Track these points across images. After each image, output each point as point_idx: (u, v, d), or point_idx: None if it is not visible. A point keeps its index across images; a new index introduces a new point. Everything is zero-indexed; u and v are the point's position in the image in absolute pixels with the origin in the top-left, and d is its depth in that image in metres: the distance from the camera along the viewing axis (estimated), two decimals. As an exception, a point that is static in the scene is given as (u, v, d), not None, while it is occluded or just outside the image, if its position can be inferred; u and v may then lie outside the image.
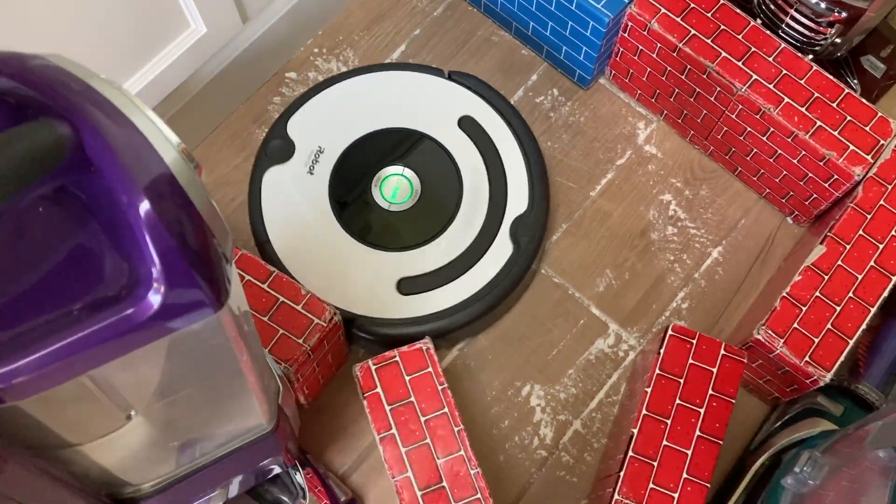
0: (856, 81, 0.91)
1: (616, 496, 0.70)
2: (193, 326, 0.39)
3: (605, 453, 0.82)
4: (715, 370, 0.74)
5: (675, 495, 0.70)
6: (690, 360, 0.74)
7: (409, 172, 0.85)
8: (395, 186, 0.84)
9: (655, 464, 0.71)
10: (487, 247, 0.82)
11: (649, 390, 0.73)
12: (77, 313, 0.36)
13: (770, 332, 0.75)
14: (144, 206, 0.35)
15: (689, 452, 0.72)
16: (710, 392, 0.73)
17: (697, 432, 0.72)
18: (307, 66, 0.97)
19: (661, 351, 0.74)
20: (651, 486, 0.71)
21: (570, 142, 0.94)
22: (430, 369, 0.74)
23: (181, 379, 0.45)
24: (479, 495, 0.69)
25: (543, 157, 0.87)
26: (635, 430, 0.72)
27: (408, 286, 0.81)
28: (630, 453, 0.71)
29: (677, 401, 0.73)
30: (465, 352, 0.86)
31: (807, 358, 0.74)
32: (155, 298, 0.36)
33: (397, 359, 0.74)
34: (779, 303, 0.76)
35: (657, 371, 0.74)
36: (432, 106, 0.87)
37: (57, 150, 0.35)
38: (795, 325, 0.75)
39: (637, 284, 0.89)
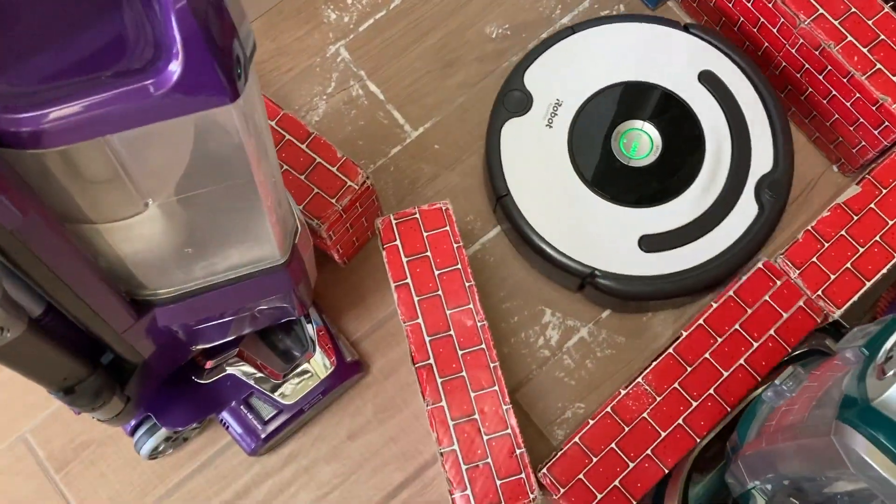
0: (930, 35, 0.88)
1: (639, 379, 0.72)
2: (207, 114, 0.42)
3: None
4: (785, 316, 0.74)
5: (694, 403, 0.72)
6: (766, 297, 0.75)
7: (648, 127, 0.85)
8: (635, 141, 0.85)
9: (689, 369, 0.73)
10: (731, 206, 0.82)
11: (715, 305, 0.74)
12: (104, 78, 0.40)
13: (787, 261, 0.75)
14: (178, -4, 0.38)
15: (726, 374, 0.73)
16: (772, 333, 0.74)
17: (742, 360, 0.73)
18: (381, -50, 0.99)
19: (743, 278, 0.75)
20: (676, 385, 0.73)
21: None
22: (447, 228, 0.76)
23: (197, 175, 0.49)
24: (483, 346, 0.72)
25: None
26: (684, 333, 0.74)
27: (650, 243, 0.81)
28: (670, 350, 0.73)
29: (736, 325, 0.74)
30: (487, 247, 0.89)
31: (819, 292, 0.74)
32: (173, 74, 0.39)
33: (417, 216, 0.76)
34: (801, 235, 0.76)
35: (731, 293, 0.75)
36: (672, 60, 0.87)
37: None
38: (814, 258, 0.75)
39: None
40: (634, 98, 0.85)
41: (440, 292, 0.74)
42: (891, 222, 0.76)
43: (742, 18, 0.88)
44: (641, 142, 0.84)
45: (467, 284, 0.74)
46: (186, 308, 0.63)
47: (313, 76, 0.94)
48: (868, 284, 0.75)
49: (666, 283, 0.80)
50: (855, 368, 0.46)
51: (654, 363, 0.74)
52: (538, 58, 0.86)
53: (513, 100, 0.85)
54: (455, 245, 0.76)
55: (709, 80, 0.85)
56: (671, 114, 0.85)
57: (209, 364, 0.80)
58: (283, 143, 0.78)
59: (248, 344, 0.81)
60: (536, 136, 0.84)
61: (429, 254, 0.76)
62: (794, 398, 0.57)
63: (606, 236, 0.81)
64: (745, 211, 0.82)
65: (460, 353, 0.72)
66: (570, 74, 0.86)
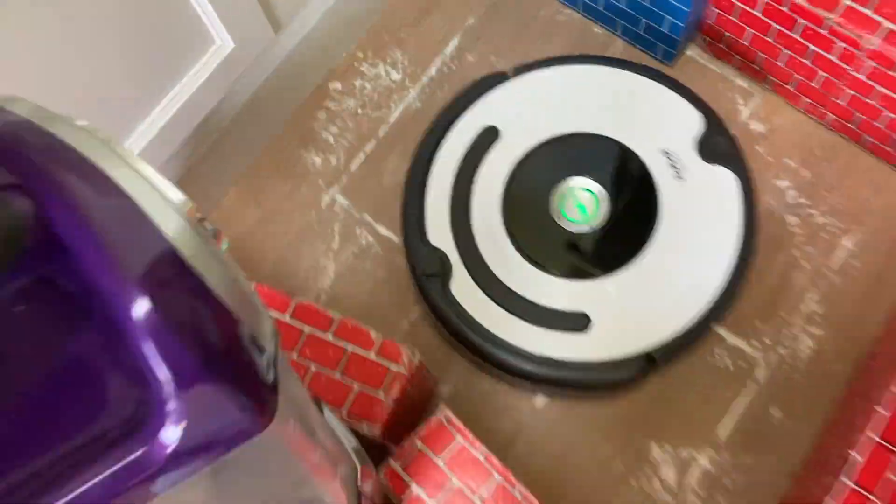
0: None
1: (842, 478, 0.57)
2: (235, 451, 0.28)
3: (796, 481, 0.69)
4: None
5: None
6: None
7: (577, 181, 0.75)
8: (577, 204, 0.75)
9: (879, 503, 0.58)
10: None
11: (881, 410, 0.59)
12: (74, 458, 0.26)
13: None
14: (141, 305, 0.24)
15: None
16: None
17: None
18: (352, 73, 0.86)
19: None
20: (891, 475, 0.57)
21: (660, 127, 0.81)
22: (460, 440, 0.62)
23: (235, 499, 0.34)
24: None
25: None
26: (856, 456, 0.58)
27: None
28: (848, 482, 0.58)
29: None
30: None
31: None
32: (173, 433, 0.25)
33: (420, 446, 0.62)
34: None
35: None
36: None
37: (13, 234, 0.24)
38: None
39: (757, 287, 0.76)
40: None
41: None
42: None
43: (786, 51, 0.75)
44: (583, 199, 0.74)
45: (516, 491, 0.60)
46: None
47: (313, 234, 0.81)
48: None
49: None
50: None
51: (859, 458, 0.58)
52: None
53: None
54: (480, 456, 0.61)
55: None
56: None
57: None
58: (304, 341, 0.64)
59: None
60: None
61: (456, 481, 0.61)
62: None
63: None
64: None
65: None
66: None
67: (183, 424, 0.25)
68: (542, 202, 0.74)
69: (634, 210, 0.73)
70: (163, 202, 0.26)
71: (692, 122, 0.75)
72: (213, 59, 0.71)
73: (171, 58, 0.68)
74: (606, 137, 0.75)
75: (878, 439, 0.59)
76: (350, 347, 0.64)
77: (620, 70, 0.77)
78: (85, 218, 0.25)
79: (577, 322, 0.70)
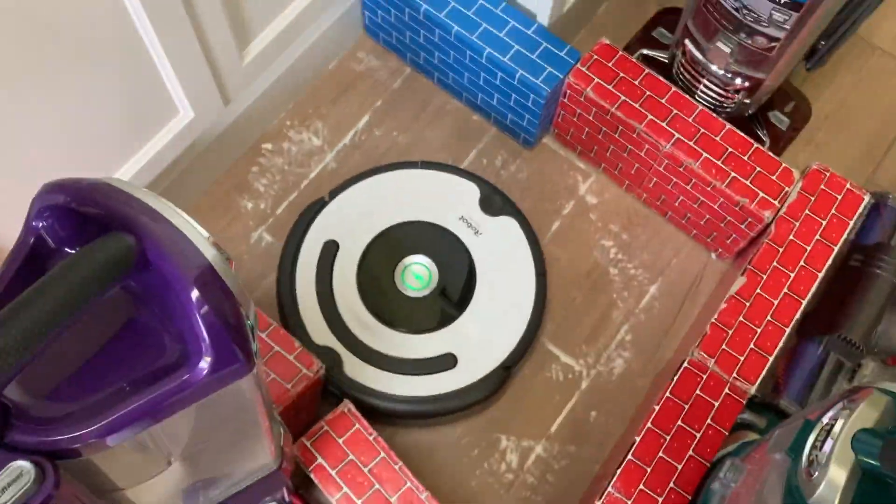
0: (765, 133, 1.05)
1: (610, 489, 0.81)
2: (231, 385, 0.48)
3: (603, 463, 0.93)
4: (717, 404, 0.85)
5: (660, 499, 0.81)
6: (698, 391, 0.85)
7: (421, 258, 0.98)
8: (415, 275, 0.98)
9: (649, 469, 0.82)
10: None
11: (657, 408, 0.84)
12: (143, 381, 0.46)
13: (702, 353, 0.87)
14: (194, 293, 0.45)
15: (680, 466, 0.82)
16: (709, 421, 0.84)
17: (691, 452, 0.83)
18: (281, 137, 1.08)
19: (675, 378, 0.85)
20: (642, 486, 0.81)
21: (520, 196, 1.05)
22: (357, 426, 0.83)
23: (213, 427, 0.55)
24: None
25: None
26: (637, 438, 0.83)
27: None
28: (629, 456, 0.82)
29: (679, 422, 0.84)
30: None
31: (734, 374, 0.86)
32: (205, 365, 0.46)
33: (326, 428, 0.83)
34: (709, 328, 0.88)
35: (668, 394, 0.85)
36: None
37: (127, 257, 0.45)
38: (724, 346, 0.87)
39: (585, 319, 1.00)
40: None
41: (378, 486, 0.81)
42: (776, 302, 0.89)
43: (612, 147, 1.02)
44: (420, 273, 0.97)
45: (397, 466, 0.82)
46: (194, 529, 0.67)
47: (243, 264, 1.01)
48: (771, 358, 0.87)
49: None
50: (786, 471, 0.56)
51: (619, 471, 0.83)
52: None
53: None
54: (371, 437, 0.83)
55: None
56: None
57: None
58: (239, 343, 0.84)
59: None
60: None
61: (352, 457, 0.82)
62: (738, 488, 0.67)
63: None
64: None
65: None
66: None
67: (210, 361, 0.46)
68: (389, 281, 0.97)
69: (457, 267, 0.97)
70: (200, 237, 0.47)
71: (472, 191, 1.00)
72: (175, 126, 0.90)
73: (144, 123, 0.87)
74: (421, 221, 0.99)
75: (650, 426, 0.84)
76: (276, 347, 0.84)
77: (411, 169, 1.02)
78: (163, 247, 0.45)
79: (446, 361, 0.93)
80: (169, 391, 0.45)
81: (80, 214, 0.47)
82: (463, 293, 0.96)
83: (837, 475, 0.51)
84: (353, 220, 0.99)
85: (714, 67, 0.93)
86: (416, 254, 0.98)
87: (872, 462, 0.50)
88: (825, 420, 0.55)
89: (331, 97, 1.10)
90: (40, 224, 0.47)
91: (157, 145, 0.89)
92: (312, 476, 0.82)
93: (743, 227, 0.96)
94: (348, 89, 1.11)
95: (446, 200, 1.00)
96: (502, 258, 0.98)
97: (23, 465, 0.41)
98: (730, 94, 0.96)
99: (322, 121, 1.09)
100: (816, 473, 0.52)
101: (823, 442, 0.54)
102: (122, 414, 0.45)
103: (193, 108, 0.90)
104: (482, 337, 0.94)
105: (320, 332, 0.94)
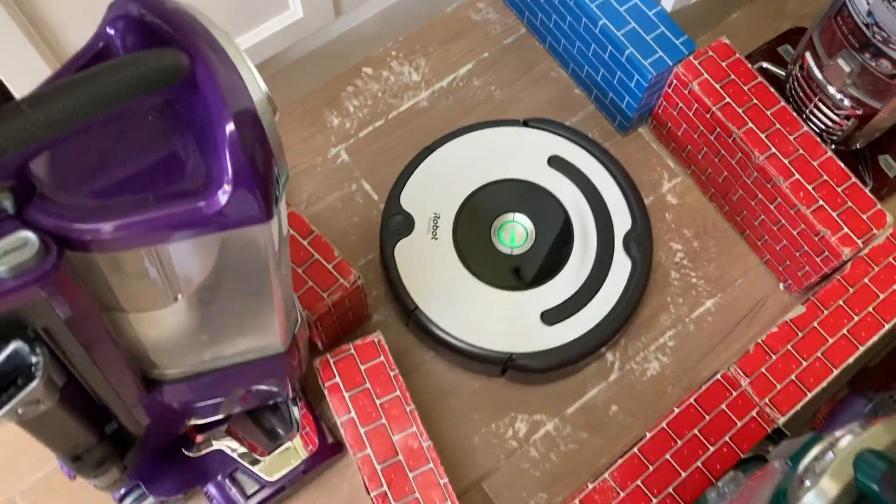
0: (869, 176, 0.99)
1: (605, 475, 0.79)
2: (245, 230, 0.49)
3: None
4: (739, 424, 0.82)
5: (654, 500, 0.78)
6: (723, 406, 0.82)
7: (519, 217, 0.95)
8: (512, 232, 0.94)
9: (651, 468, 0.80)
10: (608, 267, 0.92)
11: (677, 410, 0.82)
12: (162, 198, 0.47)
13: (739, 369, 0.83)
14: (230, 126, 0.46)
15: (684, 475, 0.80)
16: (726, 439, 0.81)
17: (698, 463, 0.80)
18: (383, 65, 1.09)
19: (703, 387, 0.83)
20: (638, 482, 0.79)
21: (600, 177, 1.03)
22: (381, 359, 0.83)
23: (224, 277, 0.56)
24: (431, 465, 0.79)
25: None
26: (648, 434, 0.80)
27: (552, 317, 0.90)
28: (635, 449, 0.80)
29: (695, 430, 0.82)
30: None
31: (766, 400, 0.82)
32: (223, 197, 0.47)
33: (352, 351, 0.83)
34: (752, 347, 0.84)
35: (691, 400, 0.82)
36: (521, 153, 0.98)
37: (176, 71, 0.46)
38: (763, 369, 0.83)
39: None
40: (500, 195, 0.95)
41: (384, 420, 0.81)
42: (831, 340, 0.85)
43: (705, 149, 0.98)
44: (517, 231, 0.94)
45: (408, 409, 0.81)
46: (191, 387, 0.69)
47: (315, 174, 1.03)
48: (810, 395, 0.83)
49: (573, 348, 0.89)
50: (782, 477, 0.53)
51: (620, 461, 0.80)
52: (408, 181, 0.95)
53: (396, 223, 0.93)
54: (392, 373, 0.83)
55: (557, 163, 0.96)
56: (535, 199, 0.95)
57: (199, 438, 0.85)
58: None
59: (237, 421, 0.87)
60: (426, 249, 0.92)
61: (368, 386, 0.82)
62: (732, 500, 0.64)
63: (512, 322, 0.89)
64: (621, 267, 0.92)
65: (411, 475, 0.79)
66: (438, 189, 0.95)
67: (228, 196, 0.46)
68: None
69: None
70: (255, 83, 0.48)
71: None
72: (282, 21, 0.93)
73: (255, 9, 0.89)
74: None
75: (664, 426, 0.81)
76: (316, 255, 0.86)
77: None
78: (214, 75, 0.46)
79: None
80: (183, 212, 0.47)
81: (151, 29, 0.48)
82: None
83: (829, 487, 0.48)
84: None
85: (829, 87, 0.88)
86: (514, 212, 0.95)
87: (871, 484, 0.47)
88: (836, 435, 0.51)
89: (440, 39, 1.10)
90: (111, 31, 0.49)
91: (259, 35, 0.92)
92: (326, 391, 0.83)
93: (818, 260, 0.91)
94: (459, 35, 1.11)
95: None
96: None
97: (30, 236, 0.43)
98: (840, 120, 0.91)
99: (426, 59, 1.09)
100: (808, 482, 0.49)
101: (825, 455, 0.50)
102: (134, 221, 0.46)
103: (304, 9, 0.92)
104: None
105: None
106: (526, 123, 0.99)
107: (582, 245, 0.93)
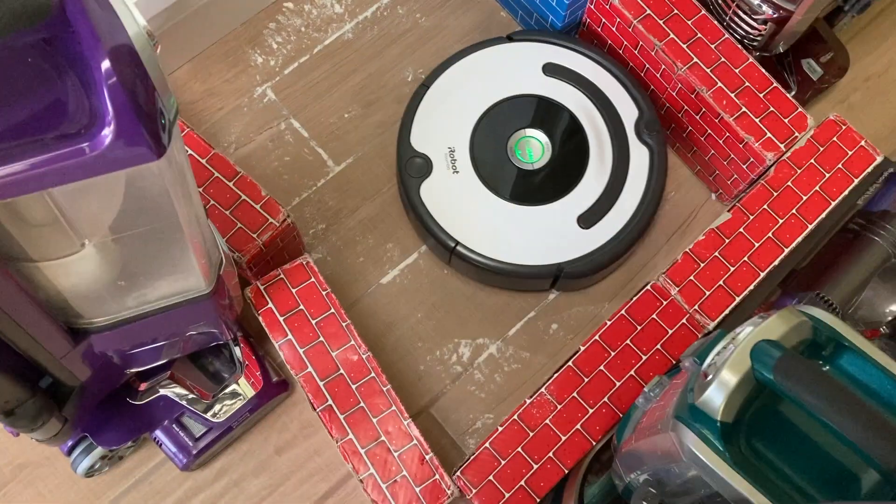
0: (794, 80, 1.00)
1: (542, 389, 0.81)
2: (137, 169, 0.49)
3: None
4: (670, 332, 0.84)
5: (591, 410, 0.81)
6: (654, 316, 0.84)
7: (531, 131, 0.95)
8: (528, 147, 0.94)
9: (586, 379, 0.82)
10: (628, 159, 0.93)
11: (609, 322, 0.83)
12: (46, 141, 0.46)
13: (668, 279, 0.85)
14: (105, 64, 0.45)
15: (618, 384, 0.82)
16: (658, 347, 0.83)
17: (632, 372, 0.82)
18: (304, -2, 1.06)
19: (633, 298, 0.84)
20: (574, 394, 0.81)
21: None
22: (312, 280, 0.84)
23: (129, 219, 0.55)
24: (372, 374, 0.80)
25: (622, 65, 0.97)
26: (582, 347, 0.82)
27: (588, 219, 0.91)
28: (569, 363, 0.82)
29: (628, 341, 0.83)
30: (405, 272, 0.97)
31: (696, 307, 0.84)
32: (106, 137, 0.46)
33: (282, 276, 0.84)
34: (680, 256, 0.86)
35: (622, 312, 0.84)
36: (514, 68, 0.97)
37: (43, 7, 0.45)
38: (692, 277, 0.85)
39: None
40: (507, 114, 0.95)
41: (321, 338, 0.82)
42: (757, 244, 0.86)
43: (631, 64, 0.98)
44: (533, 146, 0.94)
45: (344, 324, 0.82)
46: (120, 335, 0.69)
47: (241, 115, 1.01)
48: (738, 299, 0.85)
49: (619, 242, 0.91)
50: (689, 374, 0.55)
51: (556, 375, 0.82)
52: (413, 122, 0.95)
53: (414, 166, 0.93)
54: (324, 292, 0.83)
55: (551, 69, 0.96)
56: (541, 110, 0.95)
57: (143, 386, 0.86)
58: (211, 181, 0.85)
59: (180, 367, 0.87)
60: (450, 185, 0.92)
61: (302, 307, 0.83)
62: (658, 402, 0.66)
63: (552, 232, 0.91)
64: (640, 156, 0.93)
65: (354, 386, 0.80)
66: (445, 124, 0.95)
67: (111, 137, 0.46)
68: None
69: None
70: (131, 18, 0.47)
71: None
72: (192, -44, 0.90)
73: (160, -53, 0.87)
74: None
75: (597, 338, 0.83)
76: (243, 196, 0.85)
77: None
78: (85, 9, 0.45)
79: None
80: (66, 153, 0.46)
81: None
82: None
83: (728, 379, 0.50)
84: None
85: (745, -8, 0.88)
86: (525, 128, 0.95)
87: (766, 373, 0.48)
88: (737, 329, 0.53)
89: (361, -32, 1.08)
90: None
91: (169, -27, 0.89)
92: (260, 319, 0.83)
93: (744, 167, 0.92)
94: (380, -38, 1.08)
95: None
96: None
97: None
98: (758, 26, 0.91)
99: (348, -11, 1.07)
100: (710, 376, 0.51)
101: (727, 349, 0.52)
102: (17, 168, 0.45)
103: (211, -56, 0.89)
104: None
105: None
106: (511, 38, 0.98)
107: (597, 144, 0.94)
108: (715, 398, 0.50)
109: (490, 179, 0.93)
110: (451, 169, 0.93)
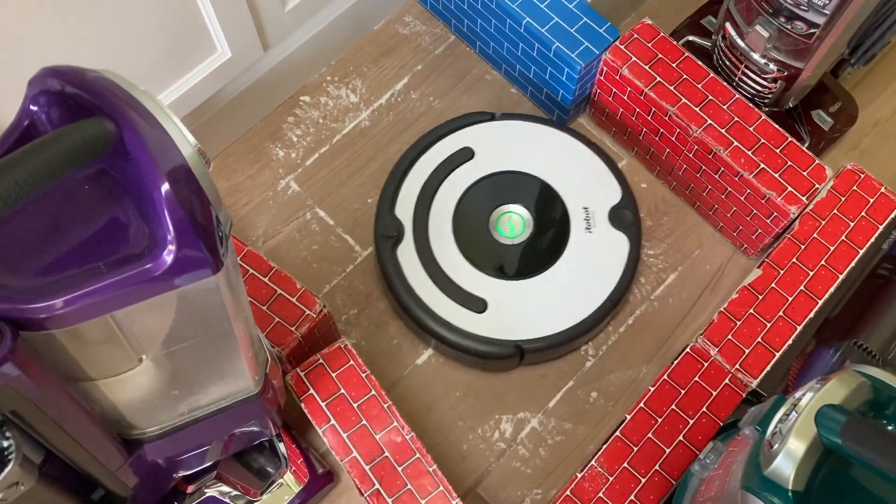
0: (806, 132, 1.02)
1: (592, 462, 0.80)
2: (196, 284, 0.50)
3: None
4: (714, 393, 0.84)
5: (643, 480, 0.80)
6: (696, 378, 0.84)
7: (514, 207, 0.96)
8: (510, 223, 0.96)
9: (636, 448, 0.81)
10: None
11: (652, 389, 0.83)
12: (109, 266, 0.47)
13: (706, 340, 0.85)
14: (165, 186, 0.46)
15: (668, 451, 0.81)
16: (704, 409, 0.83)
17: (681, 437, 0.82)
18: (320, 91, 1.09)
19: (675, 362, 0.84)
20: (625, 465, 0.81)
21: (547, 171, 1.05)
22: (351, 362, 0.84)
23: (184, 331, 0.56)
24: (417, 455, 0.80)
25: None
26: (628, 416, 0.82)
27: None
28: (617, 433, 0.81)
29: (673, 405, 0.83)
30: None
31: (737, 366, 0.84)
32: (168, 257, 0.47)
33: (321, 361, 0.84)
34: (716, 316, 0.86)
35: (665, 377, 0.84)
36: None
37: (104, 140, 0.46)
38: (730, 336, 0.85)
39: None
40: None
41: (364, 421, 0.82)
42: (790, 298, 0.87)
43: (645, 129, 1.00)
44: (514, 221, 0.96)
45: (385, 405, 0.82)
46: (172, 442, 0.69)
47: (267, 209, 1.03)
48: (778, 354, 0.85)
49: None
50: (753, 443, 0.55)
51: (605, 446, 0.82)
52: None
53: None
54: (363, 374, 0.83)
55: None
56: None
57: (190, 489, 0.85)
58: (246, 277, 0.86)
59: (225, 465, 0.87)
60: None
61: (343, 391, 0.83)
62: (715, 470, 0.66)
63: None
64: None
65: (399, 468, 0.80)
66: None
67: (174, 254, 0.47)
68: (484, 216, 0.97)
69: (549, 240, 0.96)
70: (183, 138, 0.48)
71: (613, 193, 0.97)
72: (212, 63, 0.93)
73: (184, 55, 0.90)
74: (548, 184, 0.97)
75: (643, 406, 0.83)
76: (279, 290, 0.86)
77: (574, 139, 1.00)
78: (142, 137, 0.47)
79: (476, 304, 0.92)
80: (131, 277, 0.47)
81: (73, 101, 0.49)
82: (553, 249, 0.95)
83: (796, 447, 0.50)
84: (499, 146, 0.99)
85: (753, 53, 0.90)
86: (513, 203, 0.97)
87: (833, 438, 0.48)
88: (797, 395, 0.53)
89: (373, 57, 1.11)
90: (34, 108, 0.49)
91: (192, 80, 0.92)
92: (303, 406, 0.83)
93: (768, 221, 0.93)
94: (391, 51, 1.12)
95: (584, 184, 0.98)
96: (592, 264, 0.95)
97: (-18, 324, 0.43)
98: (768, 84, 0.93)
99: (361, 79, 1.10)
100: (776, 445, 0.51)
101: (790, 415, 0.52)
102: (84, 292, 0.46)
103: (231, 48, 0.93)
104: (519, 308, 0.93)
105: (405, 206, 0.97)
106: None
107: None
108: (784, 467, 0.50)
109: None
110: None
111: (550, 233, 0.96)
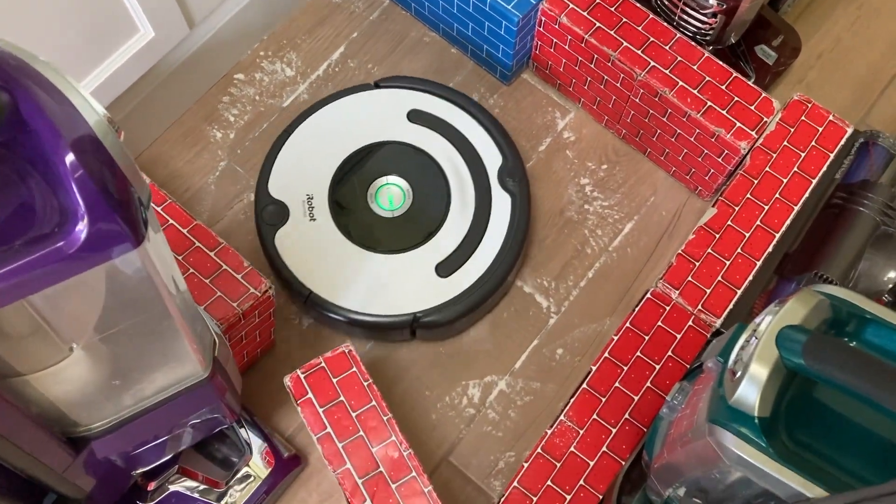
0: (750, 68, 1.01)
1: (561, 417, 0.78)
2: (116, 260, 0.47)
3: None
4: (678, 336, 0.82)
5: (614, 430, 0.78)
6: (660, 323, 0.82)
7: (393, 178, 0.93)
8: (389, 195, 0.93)
9: (604, 399, 0.80)
10: (489, 206, 0.92)
11: (616, 337, 0.81)
12: (17, 248, 0.44)
13: (666, 284, 0.84)
14: (70, 157, 0.43)
15: (636, 398, 0.80)
16: (670, 353, 0.81)
17: (648, 383, 0.80)
18: (254, 67, 1.06)
19: (636, 309, 0.82)
20: (595, 416, 0.79)
21: (495, 130, 1.02)
22: (354, 369, 0.81)
23: (116, 314, 0.53)
24: (413, 473, 0.77)
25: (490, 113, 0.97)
26: (594, 368, 0.80)
27: (446, 267, 0.89)
28: (584, 385, 0.79)
29: (638, 352, 0.81)
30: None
31: (699, 307, 0.83)
32: (81, 233, 0.44)
33: (323, 364, 0.81)
34: (675, 259, 0.85)
35: (627, 325, 0.82)
36: (379, 115, 0.96)
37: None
38: (689, 277, 0.84)
39: (556, 258, 0.98)
40: (369, 161, 0.94)
41: (361, 433, 0.79)
42: (747, 234, 0.86)
43: (589, 78, 0.98)
44: (394, 193, 0.93)
45: (385, 418, 0.79)
46: (122, 436, 0.66)
47: (209, 193, 0.99)
48: (739, 292, 0.84)
49: (478, 290, 0.89)
50: (716, 374, 0.54)
51: (572, 400, 0.80)
52: (272, 168, 0.93)
53: (270, 213, 0.91)
54: (366, 383, 0.81)
55: (416, 116, 0.96)
56: (404, 157, 0.94)
57: (151, 485, 0.82)
58: (192, 250, 0.83)
59: (187, 458, 0.84)
60: (306, 233, 0.91)
61: (343, 399, 0.80)
62: (683, 410, 0.65)
63: (413, 283, 0.89)
64: (502, 203, 0.92)
65: (394, 486, 0.77)
66: (304, 170, 0.93)
67: (87, 230, 0.44)
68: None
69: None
70: (89, 106, 0.45)
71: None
72: (134, 45, 0.89)
73: (104, 37, 0.86)
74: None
75: (607, 356, 0.81)
76: (224, 266, 0.83)
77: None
78: (41, 107, 0.43)
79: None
80: (42, 257, 0.44)
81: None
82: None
83: (759, 372, 0.48)
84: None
85: (690, -11, 0.89)
86: (386, 175, 0.94)
87: (795, 359, 0.47)
88: (756, 321, 0.52)
89: (306, 28, 1.08)
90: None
91: (115, 64, 0.88)
92: (299, 409, 0.80)
93: (720, 160, 0.92)
94: (324, 20, 1.08)
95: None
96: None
97: None
98: (708, 20, 0.92)
99: (296, 52, 1.07)
100: (739, 373, 0.49)
101: (750, 342, 0.50)
102: (-7, 277, 0.43)
103: (153, 27, 0.89)
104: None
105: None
106: (378, 85, 0.98)
107: (459, 191, 0.93)
108: (749, 394, 0.48)
109: (348, 227, 0.91)
110: (308, 216, 0.91)
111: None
